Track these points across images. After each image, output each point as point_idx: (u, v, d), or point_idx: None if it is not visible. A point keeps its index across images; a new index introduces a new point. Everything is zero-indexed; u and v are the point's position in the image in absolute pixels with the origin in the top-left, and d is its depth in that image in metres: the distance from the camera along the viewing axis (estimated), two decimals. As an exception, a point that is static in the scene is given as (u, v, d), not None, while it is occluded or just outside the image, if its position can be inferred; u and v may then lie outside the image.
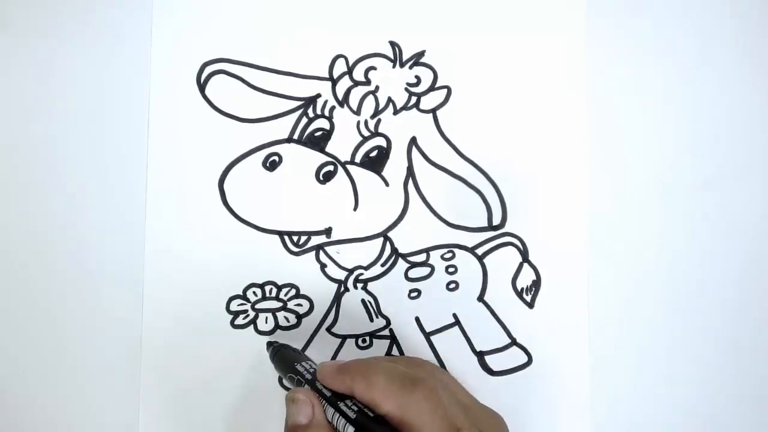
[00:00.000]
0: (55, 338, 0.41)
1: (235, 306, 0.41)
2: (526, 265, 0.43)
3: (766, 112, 0.44)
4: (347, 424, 0.32)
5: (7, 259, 0.41)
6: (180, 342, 0.41)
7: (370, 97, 0.42)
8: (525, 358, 0.42)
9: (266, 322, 0.42)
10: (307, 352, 0.42)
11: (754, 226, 0.44)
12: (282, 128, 0.42)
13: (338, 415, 0.33)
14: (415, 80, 0.43)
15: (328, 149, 0.42)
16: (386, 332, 0.42)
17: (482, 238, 0.43)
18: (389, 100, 0.42)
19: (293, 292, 0.42)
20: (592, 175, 0.43)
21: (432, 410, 0.31)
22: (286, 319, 0.42)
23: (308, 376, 0.36)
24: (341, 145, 0.42)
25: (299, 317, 0.42)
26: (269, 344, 0.40)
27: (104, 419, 0.41)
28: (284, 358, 0.38)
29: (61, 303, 0.41)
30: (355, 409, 0.33)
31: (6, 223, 0.41)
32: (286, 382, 0.37)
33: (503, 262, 0.43)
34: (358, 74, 0.42)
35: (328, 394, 0.34)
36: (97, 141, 0.42)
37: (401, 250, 0.42)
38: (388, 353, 0.42)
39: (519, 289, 0.43)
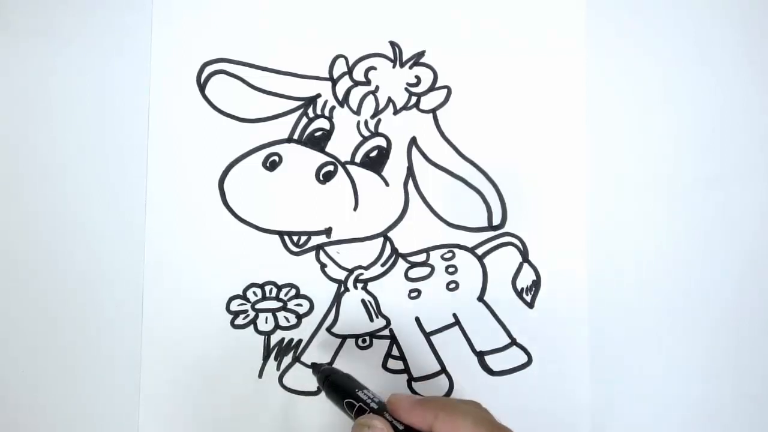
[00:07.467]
0: (55, 338, 0.41)
1: (235, 306, 0.41)
2: (526, 265, 0.43)
3: (766, 112, 0.44)
4: None
5: (7, 259, 0.41)
6: (180, 342, 0.41)
7: (370, 97, 0.42)
8: (525, 358, 0.42)
9: (266, 322, 0.42)
10: (308, 352, 0.42)
11: (755, 226, 0.44)
12: (282, 128, 0.42)
13: None
14: (415, 80, 0.43)
15: (328, 149, 0.42)
16: (386, 332, 0.42)
17: (482, 238, 0.43)
18: (389, 100, 0.42)
19: (293, 292, 0.42)
20: (591, 175, 0.43)
21: None
22: (286, 319, 0.42)
23: (374, 405, 0.34)
24: (341, 145, 0.42)
25: (299, 317, 0.42)
26: (316, 368, 0.40)
27: (104, 419, 0.41)
28: (339, 384, 0.37)
29: (61, 303, 0.41)
30: None
31: (6, 223, 0.41)
32: (340, 409, 0.36)
33: (503, 262, 0.43)
34: (358, 74, 0.42)
35: (401, 427, 0.33)
36: (97, 141, 0.42)
37: (401, 250, 0.42)
38: (388, 353, 0.42)
39: (519, 289, 0.43)
